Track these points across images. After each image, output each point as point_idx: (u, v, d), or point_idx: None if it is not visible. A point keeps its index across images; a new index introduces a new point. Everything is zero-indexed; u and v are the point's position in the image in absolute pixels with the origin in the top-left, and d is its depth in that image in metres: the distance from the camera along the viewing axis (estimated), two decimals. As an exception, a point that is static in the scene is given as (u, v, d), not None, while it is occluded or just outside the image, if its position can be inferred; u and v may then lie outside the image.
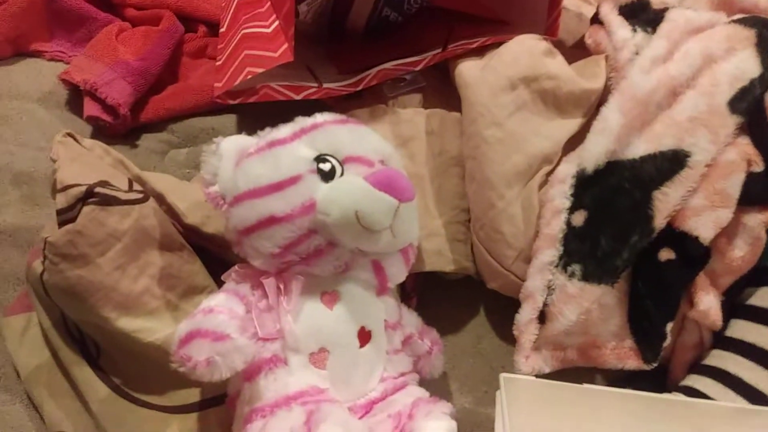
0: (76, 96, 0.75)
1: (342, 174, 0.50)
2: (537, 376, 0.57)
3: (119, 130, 0.72)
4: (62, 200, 0.49)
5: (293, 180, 0.49)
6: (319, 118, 0.53)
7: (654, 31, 0.60)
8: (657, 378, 0.61)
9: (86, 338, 0.55)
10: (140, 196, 0.54)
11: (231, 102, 0.64)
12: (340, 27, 0.75)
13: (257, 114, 0.59)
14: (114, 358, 0.54)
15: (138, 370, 0.54)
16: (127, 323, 0.51)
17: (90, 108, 0.72)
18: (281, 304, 0.49)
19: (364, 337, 0.51)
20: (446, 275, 0.65)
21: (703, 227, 0.55)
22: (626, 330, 0.58)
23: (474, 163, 0.61)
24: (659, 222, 0.55)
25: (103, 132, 0.72)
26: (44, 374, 0.56)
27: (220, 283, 0.53)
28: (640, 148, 0.56)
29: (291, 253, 0.49)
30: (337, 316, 0.50)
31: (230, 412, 0.51)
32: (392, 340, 0.54)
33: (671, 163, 0.55)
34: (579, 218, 0.57)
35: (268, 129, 0.54)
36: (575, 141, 0.60)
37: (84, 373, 0.54)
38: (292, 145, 0.51)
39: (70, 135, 0.57)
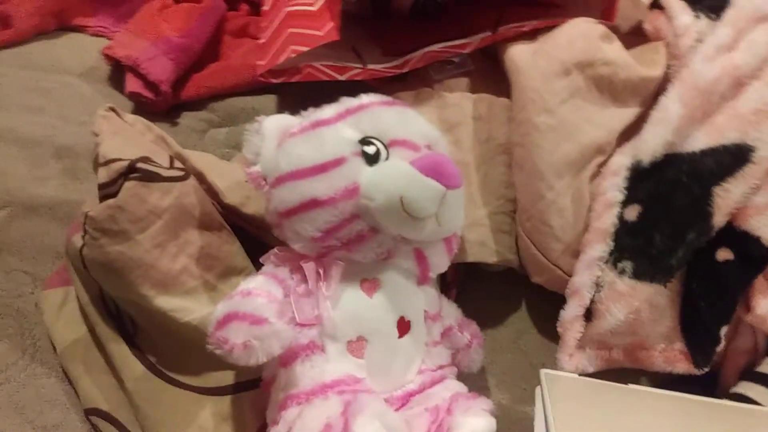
0: (118, 72, 0.75)
1: (387, 158, 0.48)
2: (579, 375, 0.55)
3: (160, 107, 0.72)
4: (104, 174, 0.49)
5: (337, 162, 0.47)
6: (365, 99, 0.52)
7: (718, 17, 0.57)
8: (706, 384, 0.58)
9: (123, 315, 0.54)
10: (181, 173, 0.53)
11: (273, 81, 0.63)
12: (385, 7, 0.73)
13: (298, 95, 0.58)
14: (150, 336, 0.54)
15: (174, 350, 0.53)
16: (164, 302, 0.50)
17: (132, 84, 0.71)
18: (320, 290, 0.48)
19: (404, 327, 0.50)
20: (488, 267, 0.63)
21: (766, 227, 0.52)
22: (677, 332, 0.56)
23: (523, 151, 0.59)
24: (719, 220, 0.52)
25: (144, 108, 0.72)
26: (81, 349, 0.56)
27: (258, 266, 0.52)
28: (700, 140, 0.54)
29: (332, 237, 0.48)
30: (377, 305, 0.49)
31: (264, 396, 0.50)
32: (431, 332, 0.52)
33: (734, 157, 0.52)
34: (632, 213, 0.55)
35: (311, 109, 0.52)
36: (630, 132, 0.58)
37: (120, 350, 0.53)
38: (336, 126, 0.49)
39: (112, 109, 0.57)
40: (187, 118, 0.73)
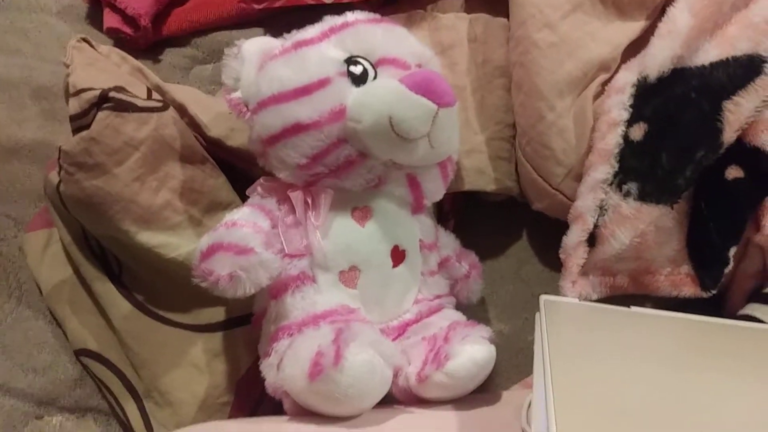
0: (96, 9, 0.71)
1: (375, 77, 0.46)
2: (581, 302, 0.54)
3: (140, 43, 0.69)
4: (75, 105, 0.46)
5: (321, 83, 0.45)
6: (350, 16, 0.48)
7: None
8: (712, 308, 0.56)
9: (108, 254, 0.53)
10: (159, 104, 0.50)
11: (256, 6, 0.60)
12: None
13: (286, 28, 0.55)
14: (136, 274, 0.52)
15: (161, 287, 0.52)
16: (148, 238, 0.49)
17: (110, 20, 0.68)
18: (309, 219, 0.46)
19: (398, 256, 0.48)
20: (487, 196, 0.61)
21: (779, 142, 0.49)
22: (684, 255, 0.54)
23: (522, 71, 0.56)
24: (728, 136, 0.49)
25: (123, 45, 0.68)
26: (66, 291, 0.55)
27: (245, 200, 0.50)
28: (710, 53, 0.50)
29: (319, 164, 0.45)
30: (369, 234, 0.47)
31: (256, 331, 0.49)
32: (428, 262, 0.51)
33: (745, 69, 0.49)
34: (638, 132, 0.52)
35: (294, 31, 0.49)
36: (636, 46, 0.55)
37: (106, 290, 0.52)
38: (320, 46, 0.46)
39: (85, 40, 0.53)
40: (170, 55, 0.70)
